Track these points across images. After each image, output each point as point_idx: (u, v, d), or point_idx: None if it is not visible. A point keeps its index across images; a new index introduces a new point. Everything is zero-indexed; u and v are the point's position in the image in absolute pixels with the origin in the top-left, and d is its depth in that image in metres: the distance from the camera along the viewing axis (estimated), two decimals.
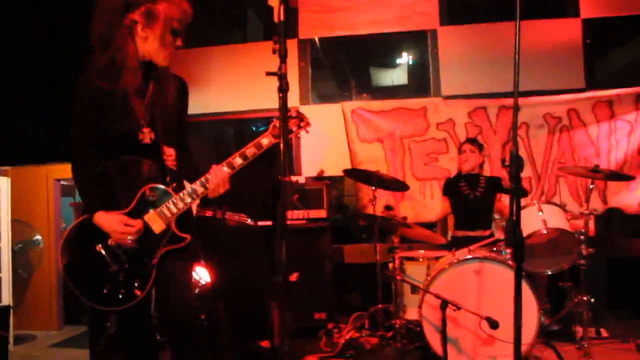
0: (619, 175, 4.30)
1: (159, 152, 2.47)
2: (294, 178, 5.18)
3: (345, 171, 4.63)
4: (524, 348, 3.57)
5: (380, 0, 5.59)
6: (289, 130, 2.60)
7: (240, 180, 2.71)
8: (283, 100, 2.19)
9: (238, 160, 2.50)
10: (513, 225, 2.11)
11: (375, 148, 5.38)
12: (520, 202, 2.12)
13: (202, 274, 5.10)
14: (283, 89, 2.19)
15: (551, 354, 3.81)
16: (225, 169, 2.48)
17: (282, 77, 2.20)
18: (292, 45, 5.79)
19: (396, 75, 8.24)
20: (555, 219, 3.86)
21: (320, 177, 5.17)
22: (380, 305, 4.48)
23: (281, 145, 2.16)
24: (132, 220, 2.38)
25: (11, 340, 5.46)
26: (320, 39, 6.24)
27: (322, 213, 4.85)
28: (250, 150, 2.50)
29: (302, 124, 2.64)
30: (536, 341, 3.83)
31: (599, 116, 5.03)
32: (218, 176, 2.45)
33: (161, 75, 2.48)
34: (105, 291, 2.39)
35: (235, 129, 6.70)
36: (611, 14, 5.28)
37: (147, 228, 2.41)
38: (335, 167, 5.09)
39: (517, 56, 2.15)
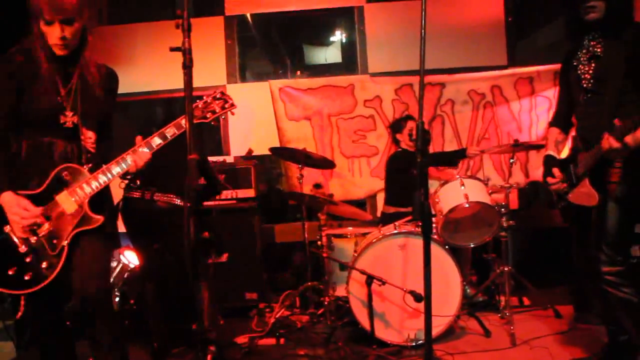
0: (536, 145, 4.44)
1: (78, 134, 2.48)
2: (221, 158, 5.11)
3: (272, 149, 4.60)
4: (448, 319, 3.71)
5: None
6: (212, 111, 2.59)
7: (169, 161, 2.68)
8: (188, 76, 2.16)
9: (157, 140, 2.51)
10: (420, 199, 2.13)
11: (304, 126, 5.36)
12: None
13: (130, 258, 5.00)
14: (187, 65, 2.14)
15: (475, 324, 3.94)
16: (145, 149, 2.47)
17: (187, 53, 2.15)
18: (218, 22, 5.69)
19: (329, 53, 8.21)
20: (476, 193, 3.94)
21: (248, 156, 5.11)
22: (309, 283, 4.51)
23: (186, 123, 2.12)
24: (33, 207, 2.34)
25: None
26: (252, 16, 6.14)
27: (250, 192, 4.81)
28: (169, 130, 2.52)
29: (226, 106, 2.65)
30: (461, 312, 3.96)
31: (521, 92, 5.17)
32: (139, 157, 2.47)
33: (86, 66, 2.50)
34: (11, 273, 2.34)
35: (165, 109, 6.54)
36: None
37: (58, 208, 2.39)
38: (264, 145, 5.03)
39: (423, 31, 2.16)
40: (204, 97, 2.56)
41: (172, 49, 2.21)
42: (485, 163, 5.21)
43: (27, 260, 2.36)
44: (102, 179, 2.43)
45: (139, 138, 2.49)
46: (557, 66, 5.00)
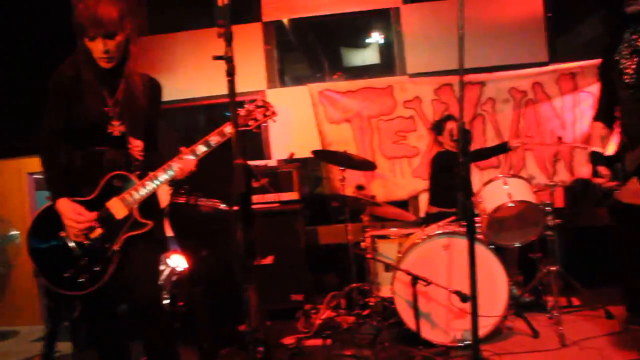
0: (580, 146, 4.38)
1: (126, 143, 2.58)
2: (263, 162, 5.19)
3: (314, 152, 4.64)
4: (495, 320, 3.69)
5: None
6: (255, 119, 2.65)
7: (214, 167, 2.76)
8: (230, 83, 2.21)
9: (201, 148, 2.58)
10: (463, 199, 2.15)
11: (344, 128, 5.40)
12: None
13: (178, 262, 5.12)
14: (230, 73, 2.20)
15: (523, 324, 3.91)
16: (190, 157, 2.54)
17: (229, 61, 2.21)
18: (256, 29, 5.76)
19: (367, 55, 8.23)
20: (520, 191, 3.91)
21: (290, 160, 5.18)
22: (354, 285, 4.53)
23: (232, 129, 2.18)
24: (86, 212, 2.46)
25: None
26: (290, 21, 6.22)
27: (293, 195, 4.87)
28: (214, 138, 2.59)
29: (268, 113, 2.69)
30: (508, 312, 3.93)
31: (563, 89, 5.10)
32: (183, 163, 2.54)
33: (131, 77, 2.59)
34: (67, 275, 2.47)
35: (206, 115, 6.66)
36: None
37: (110, 214, 2.49)
38: (305, 149, 5.07)
39: (461, 31, 2.17)
40: (246, 106, 2.62)
41: (215, 58, 2.26)
42: (528, 161, 5.15)
43: (81, 263, 2.48)
44: (150, 185, 2.51)
45: (183, 148, 2.57)
46: (601, 61, 4.98)
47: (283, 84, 6.04)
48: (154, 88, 2.74)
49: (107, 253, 2.48)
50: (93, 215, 2.48)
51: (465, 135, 2.22)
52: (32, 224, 2.58)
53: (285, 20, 6.21)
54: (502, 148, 4.49)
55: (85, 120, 2.52)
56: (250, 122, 2.64)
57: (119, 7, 2.48)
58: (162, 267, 4.98)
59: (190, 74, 5.73)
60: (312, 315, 4.55)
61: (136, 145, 2.61)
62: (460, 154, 2.21)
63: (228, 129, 2.55)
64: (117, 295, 2.60)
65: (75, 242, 2.49)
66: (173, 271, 5.01)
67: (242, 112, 2.62)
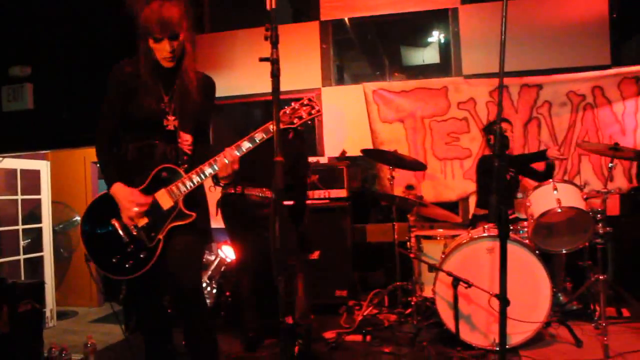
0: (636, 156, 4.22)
1: (177, 137, 2.69)
2: (315, 158, 5.26)
3: (364, 151, 4.68)
4: (536, 326, 3.64)
5: None
6: (299, 117, 2.70)
7: (265, 156, 2.84)
8: (275, 85, 2.27)
9: (246, 144, 2.63)
10: (497, 202, 2.14)
11: (397, 128, 5.41)
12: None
13: (227, 252, 5.29)
14: (275, 74, 2.26)
15: (567, 332, 3.82)
16: (235, 152, 2.62)
17: (274, 63, 2.27)
18: (314, 28, 5.84)
19: (426, 55, 8.18)
20: (570, 197, 3.84)
21: (342, 158, 5.24)
22: (398, 283, 4.56)
23: (273, 128, 2.24)
24: (142, 196, 2.59)
25: (54, 315, 5.78)
26: (350, 20, 6.27)
27: (342, 193, 4.93)
28: (258, 135, 2.64)
29: (313, 112, 2.71)
30: (550, 319, 3.87)
31: (625, 93, 4.92)
32: (227, 158, 2.61)
33: (186, 75, 2.69)
34: (114, 260, 2.61)
35: (263, 111, 6.81)
36: None
37: (157, 204, 2.61)
38: (358, 147, 5.11)
39: (503, 36, 2.17)
40: (292, 104, 2.68)
41: (262, 59, 2.34)
42: (583, 167, 5.01)
43: (128, 250, 2.61)
44: (196, 179, 2.61)
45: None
46: None
47: (338, 82, 6.11)
48: (208, 85, 2.84)
49: (153, 241, 2.60)
50: (149, 199, 2.60)
51: (502, 140, 2.20)
52: (87, 211, 2.72)
53: (346, 19, 6.26)
54: (541, 156, 4.38)
55: (141, 115, 2.64)
56: (295, 120, 2.68)
57: (181, 8, 2.60)
58: (211, 257, 5.17)
59: (248, 70, 5.88)
60: (354, 311, 4.61)
61: (186, 140, 2.72)
62: (495, 158, 2.20)
63: (272, 126, 2.62)
64: (160, 281, 2.73)
65: (123, 230, 2.63)
66: (222, 261, 5.19)
67: (287, 110, 2.66)
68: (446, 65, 5.83)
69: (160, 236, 2.61)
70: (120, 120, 2.68)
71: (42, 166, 5.98)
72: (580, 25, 5.17)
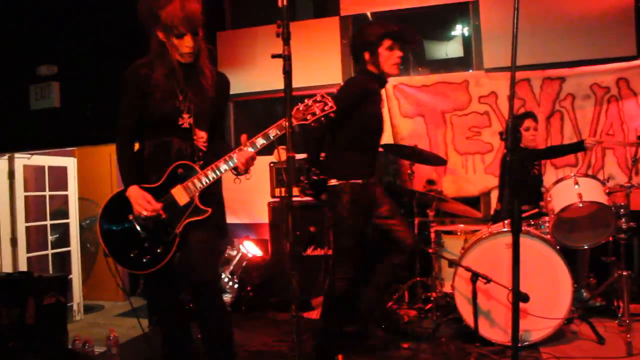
0: None
1: (192, 134, 2.75)
2: None
3: (384, 146, 4.67)
4: (557, 322, 3.60)
5: None
6: (313, 113, 2.71)
7: None
8: (287, 81, 2.29)
9: (260, 140, 2.68)
10: (509, 196, 2.13)
11: (417, 123, 5.37)
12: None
13: (249, 248, 5.35)
14: (286, 70, 2.29)
15: (589, 329, 3.77)
16: (250, 149, 2.66)
17: (286, 59, 2.29)
18: (334, 23, 5.83)
19: (449, 49, 8.10)
20: (591, 192, 3.78)
21: None
22: (418, 279, 4.55)
23: (286, 124, 2.27)
24: (154, 201, 2.64)
25: (81, 309, 5.92)
26: (373, 14, 6.25)
27: None
28: (272, 131, 2.68)
29: (326, 108, 2.72)
30: (572, 316, 3.82)
31: None
32: (243, 155, 2.66)
33: (201, 72, 2.76)
34: (132, 255, 2.68)
35: (283, 107, 6.83)
36: None
37: (173, 200, 2.67)
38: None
39: (515, 29, 2.15)
40: (305, 100, 2.70)
41: (274, 56, 2.36)
42: (608, 160, 4.91)
43: (146, 245, 2.68)
44: (211, 175, 2.66)
45: (244, 137, 2.69)
46: None
47: None
48: (223, 82, 2.89)
49: (169, 237, 2.66)
50: (160, 204, 2.66)
51: (515, 134, 2.19)
52: (104, 207, 2.80)
53: (368, 14, 6.23)
54: (579, 146, 4.32)
55: (157, 114, 2.70)
56: (309, 117, 2.70)
57: (200, 4, 2.66)
58: (233, 253, 5.22)
59: (269, 67, 5.84)
60: None
61: (201, 137, 2.77)
62: (508, 153, 2.20)
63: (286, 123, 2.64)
64: (177, 276, 2.78)
65: (140, 225, 2.69)
66: (244, 257, 5.24)
67: (300, 106, 2.68)
68: (468, 58, 5.77)
69: (177, 231, 2.66)
70: (137, 120, 2.74)
71: (69, 163, 6.11)
72: (604, 15, 5.04)
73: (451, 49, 8.05)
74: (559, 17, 5.11)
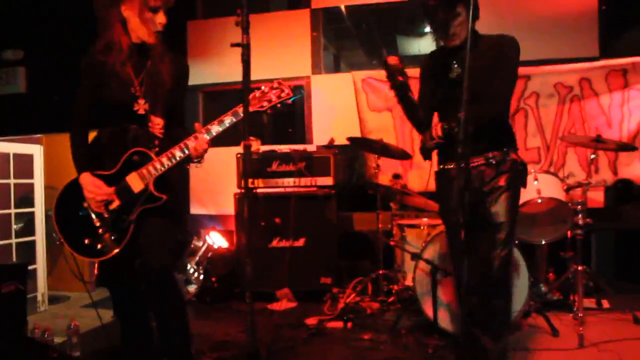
0: (623, 146, 4.22)
1: (148, 121, 2.73)
2: (302, 146, 5.29)
3: (350, 139, 4.70)
4: (514, 315, 3.68)
5: None
6: (269, 100, 2.74)
7: None
8: (245, 70, 2.31)
9: (215, 128, 2.70)
10: (462, 189, 2.18)
11: (385, 117, 5.41)
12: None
13: (215, 239, 5.34)
14: (245, 59, 2.30)
15: (545, 322, 3.87)
16: (205, 136, 2.67)
17: (245, 48, 2.31)
18: (304, 15, 5.84)
19: (422, 44, 8.17)
20: (550, 188, 3.87)
21: (330, 146, 5.25)
22: (381, 271, 4.61)
23: (243, 112, 2.30)
24: (105, 187, 2.65)
25: (46, 300, 5.84)
26: (347, 7, 6.27)
27: (328, 181, 4.96)
28: (227, 118, 2.70)
29: (282, 95, 2.75)
30: (529, 309, 3.91)
31: (612, 85, 4.90)
32: (199, 142, 2.66)
33: (158, 55, 2.75)
34: (86, 242, 2.69)
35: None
36: None
37: (128, 187, 2.67)
38: (347, 136, 5.14)
39: (470, 24, 2.18)
40: (262, 87, 2.71)
41: (233, 45, 2.38)
42: (569, 158, 5.00)
43: (100, 232, 2.69)
44: (166, 162, 2.66)
45: (197, 125, 2.70)
46: None
47: (329, 70, 6.10)
48: (181, 67, 2.87)
49: (124, 223, 2.67)
50: (111, 189, 2.67)
51: (465, 126, 2.22)
52: (59, 195, 2.80)
53: (342, 7, 6.25)
54: None
55: (112, 100, 2.69)
56: (265, 103, 2.72)
57: None
58: (199, 244, 5.22)
59: (239, 57, 5.87)
60: (339, 299, 4.66)
61: (157, 123, 2.76)
62: (459, 146, 2.24)
63: (241, 109, 2.66)
64: (132, 263, 2.76)
65: (95, 212, 2.69)
66: (210, 248, 5.24)
67: (257, 93, 2.71)
68: None
69: (131, 218, 2.66)
70: (93, 107, 2.73)
71: (36, 150, 6.01)
72: (569, 17, 5.15)
73: (423, 44, 8.11)
74: (526, 16, 5.20)
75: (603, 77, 4.93)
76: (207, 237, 5.35)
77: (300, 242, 4.88)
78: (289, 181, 4.96)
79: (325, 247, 4.89)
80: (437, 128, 2.75)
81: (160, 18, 2.66)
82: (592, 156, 3.97)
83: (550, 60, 5.10)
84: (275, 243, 4.88)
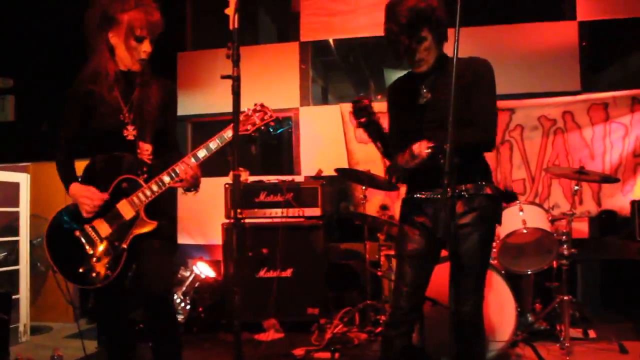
0: (606, 178, 4.31)
1: (137, 147, 2.75)
2: (290, 177, 5.33)
3: (337, 170, 4.74)
4: (501, 345, 3.69)
5: (379, 4, 5.64)
6: (252, 123, 2.78)
7: None
8: (235, 101, 2.34)
9: (202, 152, 2.71)
10: (447, 218, 2.18)
11: (372, 148, 5.36)
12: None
13: (202, 269, 5.32)
14: (235, 91, 2.34)
15: (533, 352, 3.88)
16: (192, 160, 2.70)
17: (235, 80, 2.35)
18: (293, 48, 5.94)
19: None
20: (535, 219, 3.92)
21: (318, 177, 5.29)
22: (369, 302, 4.60)
23: (232, 141, 2.33)
24: (98, 192, 2.66)
25: (28, 330, 5.75)
26: (335, 41, 6.38)
27: (316, 211, 4.97)
28: (213, 143, 2.72)
29: (266, 117, 2.79)
30: (516, 339, 3.91)
31: (594, 119, 5.03)
32: (186, 167, 2.69)
33: (145, 81, 2.79)
34: (80, 270, 2.66)
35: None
36: (608, 17, 5.27)
37: (119, 214, 2.67)
38: (334, 167, 5.18)
39: (455, 57, 2.24)
40: (245, 110, 2.74)
41: (223, 77, 2.42)
42: (554, 190, 5.10)
43: (93, 260, 2.67)
44: (155, 188, 2.67)
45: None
46: (635, 92, 4.94)
47: (317, 102, 6.18)
48: (168, 91, 2.89)
49: (117, 251, 2.67)
50: (105, 195, 2.67)
51: (450, 156, 2.22)
52: (50, 224, 2.79)
53: (330, 40, 6.36)
54: None
55: (102, 126, 2.71)
56: (249, 127, 2.75)
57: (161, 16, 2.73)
58: (186, 274, 5.19)
59: (228, 88, 5.92)
60: (326, 329, 4.63)
61: (145, 150, 2.77)
62: (445, 176, 2.24)
63: (227, 133, 2.69)
64: (128, 293, 2.79)
65: (87, 240, 2.68)
66: (197, 277, 5.22)
67: (240, 117, 2.69)
68: None
69: (124, 245, 2.66)
70: (79, 135, 2.76)
71: (22, 179, 5.98)
72: (552, 52, 5.30)
73: None
74: (510, 51, 5.33)
75: (585, 111, 5.06)
76: (194, 267, 5.32)
77: (288, 273, 4.87)
78: (277, 211, 4.97)
79: (312, 277, 4.89)
80: (421, 146, 2.48)
81: (146, 47, 2.70)
82: (576, 188, 4.04)
83: (534, 94, 5.23)
84: (262, 273, 4.87)
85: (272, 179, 5.18)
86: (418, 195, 2.72)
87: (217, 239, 5.17)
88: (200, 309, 4.87)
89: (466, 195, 2.59)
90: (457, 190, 2.49)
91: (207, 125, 6.27)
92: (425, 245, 2.70)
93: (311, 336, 4.57)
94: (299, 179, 5.40)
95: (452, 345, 2.70)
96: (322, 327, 4.68)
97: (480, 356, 2.80)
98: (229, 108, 5.83)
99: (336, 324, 4.59)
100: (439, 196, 2.50)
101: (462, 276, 2.62)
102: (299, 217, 4.99)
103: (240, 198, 4.76)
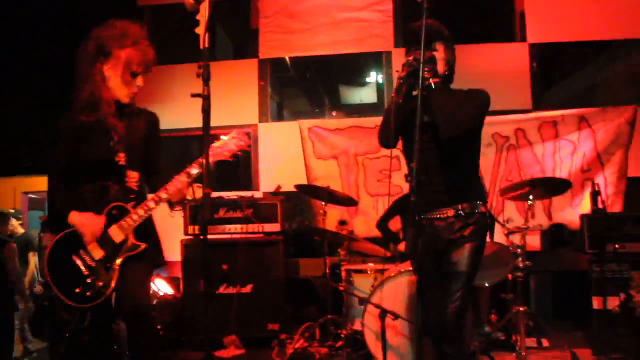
0: (555, 182, 4.48)
1: (125, 176, 2.87)
2: (250, 193, 5.33)
3: (298, 187, 4.78)
4: None
5: (337, 23, 5.78)
6: (230, 150, 2.84)
7: None
8: (205, 120, 2.36)
9: (183, 178, 2.78)
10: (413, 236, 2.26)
11: (331, 165, 5.55)
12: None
13: (160, 286, 5.24)
14: (205, 110, 2.35)
15: None
16: (184, 178, 2.77)
17: (205, 99, 2.36)
18: (252, 65, 5.98)
19: (364, 94, 8.45)
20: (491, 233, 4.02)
21: (277, 193, 5.31)
22: (330, 316, 4.62)
23: (203, 161, 2.35)
24: (97, 217, 2.77)
25: None
26: (291, 58, 6.44)
27: (276, 227, 4.99)
28: (193, 169, 2.78)
29: (241, 144, 2.90)
30: (475, 349, 3.99)
31: (545, 136, 5.24)
32: (177, 185, 2.77)
33: (132, 112, 2.91)
34: (77, 291, 2.76)
35: (201, 144, 6.82)
36: (556, 40, 5.52)
37: (110, 239, 2.79)
38: (293, 183, 5.21)
39: (421, 80, 2.32)
40: (221, 137, 2.82)
41: (193, 95, 2.43)
42: (507, 205, 5.26)
43: (88, 281, 2.76)
44: (142, 213, 2.78)
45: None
46: (582, 110, 5.16)
47: (276, 119, 6.22)
48: (152, 121, 3.01)
49: (109, 271, 2.77)
50: (103, 218, 2.77)
51: (419, 177, 2.33)
52: (50, 251, 2.87)
53: (287, 58, 6.42)
54: None
55: (94, 157, 2.81)
56: (226, 153, 2.82)
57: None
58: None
59: (187, 105, 5.86)
60: (287, 345, 4.62)
61: (133, 177, 2.88)
62: (412, 195, 2.33)
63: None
64: (114, 309, 2.88)
65: (83, 263, 2.78)
66: (154, 295, 5.13)
67: (217, 143, 2.81)
68: (381, 104, 6.05)
69: (116, 267, 2.77)
70: (74, 165, 2.83)
71: None
72: (505, 72, 5.50)
73: (365, 95, 8.40)
74: (465, 71, 5.41)
75: (536, 128, 5.26)
76: (152, 285, 5.23)
77: (248, 289, 4.86)
78: (237, 228, 4.97)
79: (272, 293, 4.89)
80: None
81: (139, 82, 2.84)
82: (530, 202, 4.18)
83: (488, 112, 5.37)
84: (222, 290, 4.84)
85: (232, 195, 5.17)
86: (429, 216, 2.91)
87: (175, 255, 5.10)
88: (160, 327, 4.79)
89: (463, 214, 2.83)
90: (456, 210, 2.83)
91: (165, 142, 6.17)
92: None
93: (272, 352, 4.55)
94: (258, 195, 5.41)
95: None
96: (283, 343, 4.66)
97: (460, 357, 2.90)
98: (188, 124, 5.84)
99: (297, 339, 4.58)
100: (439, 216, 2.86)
101: (450, 282, 2.78)
102: (258, 233, 4.99)
103: (200, 215, 4.72)
